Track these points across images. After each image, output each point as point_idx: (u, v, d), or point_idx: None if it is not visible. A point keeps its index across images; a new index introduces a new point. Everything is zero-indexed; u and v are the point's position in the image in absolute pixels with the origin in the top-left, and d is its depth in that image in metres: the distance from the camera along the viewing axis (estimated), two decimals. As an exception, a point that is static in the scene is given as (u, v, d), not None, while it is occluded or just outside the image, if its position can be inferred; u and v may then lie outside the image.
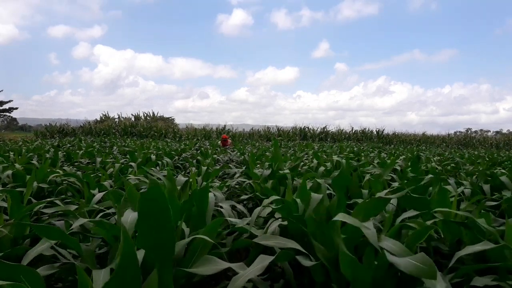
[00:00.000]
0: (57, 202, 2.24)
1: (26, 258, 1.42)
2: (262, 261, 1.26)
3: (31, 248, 1.48)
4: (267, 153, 6.61)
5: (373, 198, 1.70)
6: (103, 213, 2.12)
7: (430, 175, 3.01)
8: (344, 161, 3.97)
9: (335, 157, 4.35)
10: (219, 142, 11.63)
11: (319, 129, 25.49)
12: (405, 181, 3.09)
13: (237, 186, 3.35)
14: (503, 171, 3.71)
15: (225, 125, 24.76)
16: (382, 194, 2.22)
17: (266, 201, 2.02)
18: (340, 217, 1.43)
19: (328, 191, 2.48)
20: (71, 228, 1.67)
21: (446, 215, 1.90)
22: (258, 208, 2.01)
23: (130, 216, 1.46)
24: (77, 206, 2.08)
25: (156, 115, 29.76)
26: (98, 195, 2.26)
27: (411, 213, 1.83)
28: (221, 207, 2.18)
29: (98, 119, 27.67)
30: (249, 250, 2.21)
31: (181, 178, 2.50)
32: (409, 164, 4.30)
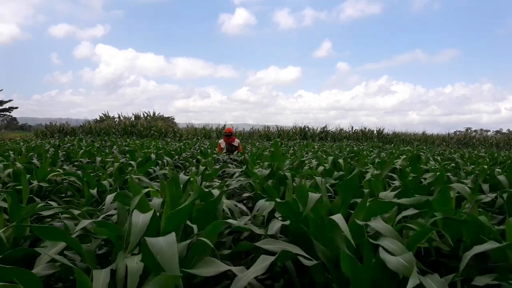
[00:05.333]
0: (56, 202, 2.23)
1: (38, 262, 1.44)
2: (264, 261, 1.30)
3: (36, 250, 1.48)
4: (266, 153, 6.61)
5: (377, 200, 1.69)
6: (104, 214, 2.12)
7: (431, 173, 3.00)
8: (341, 161, 3.98)
9: (330, 158, 4.30)
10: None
11: (319, 129, 25.47)
12: (407, 178, 3.08)
13: (236, 186, 3.35)
14: (498, 170, 3.70)
15: (224, 125, 24.72)
16: (385, 194, 2.20)
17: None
18: (337, 217, 1.45)
19: (328, 193, 2.48)
20: (75, 231, 1.66)
21: (446, 213, 1.89)
22: (260, 202, 2.00)
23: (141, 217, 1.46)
24: (79, 212, 2.04)
25: (156, 114, 29.77)
26: (109, 197, 2.18)
27: (411, 211, 1.82)
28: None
29: (98, 118, 27.67)
30: (250, 251, 2.21)
31: (182, 177, 2.50)
32: (409, 163, 4.29)
